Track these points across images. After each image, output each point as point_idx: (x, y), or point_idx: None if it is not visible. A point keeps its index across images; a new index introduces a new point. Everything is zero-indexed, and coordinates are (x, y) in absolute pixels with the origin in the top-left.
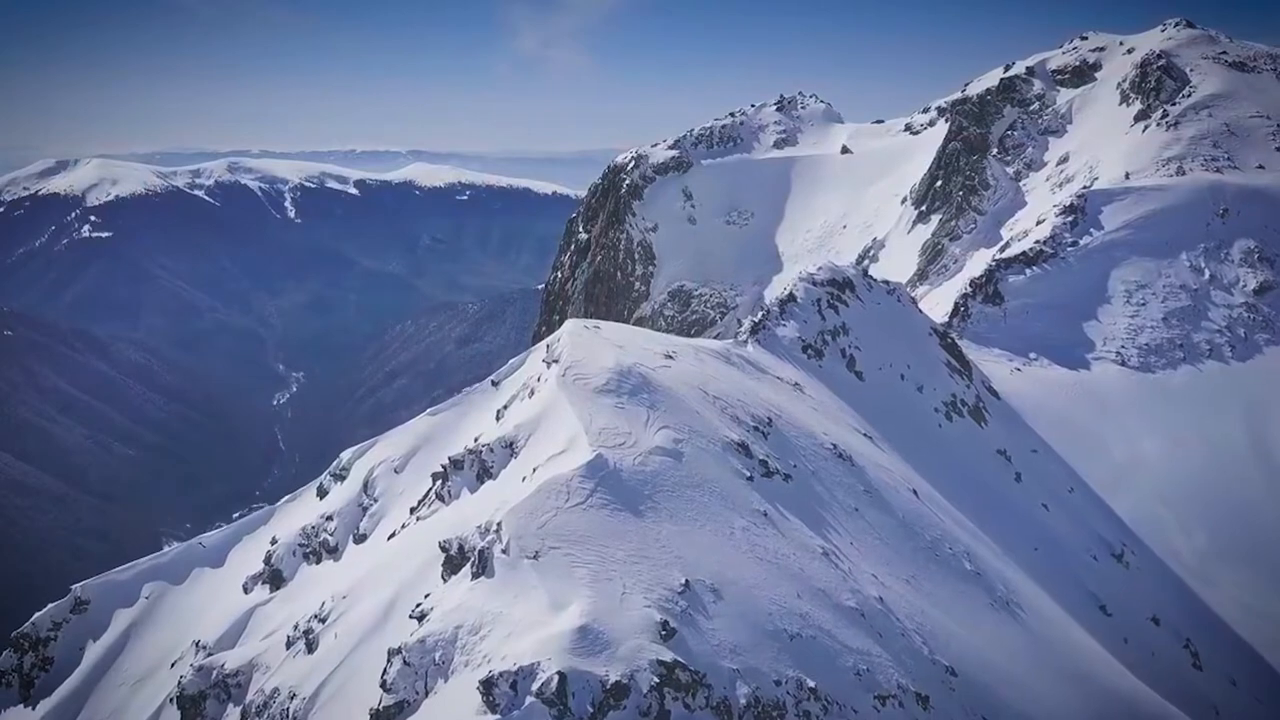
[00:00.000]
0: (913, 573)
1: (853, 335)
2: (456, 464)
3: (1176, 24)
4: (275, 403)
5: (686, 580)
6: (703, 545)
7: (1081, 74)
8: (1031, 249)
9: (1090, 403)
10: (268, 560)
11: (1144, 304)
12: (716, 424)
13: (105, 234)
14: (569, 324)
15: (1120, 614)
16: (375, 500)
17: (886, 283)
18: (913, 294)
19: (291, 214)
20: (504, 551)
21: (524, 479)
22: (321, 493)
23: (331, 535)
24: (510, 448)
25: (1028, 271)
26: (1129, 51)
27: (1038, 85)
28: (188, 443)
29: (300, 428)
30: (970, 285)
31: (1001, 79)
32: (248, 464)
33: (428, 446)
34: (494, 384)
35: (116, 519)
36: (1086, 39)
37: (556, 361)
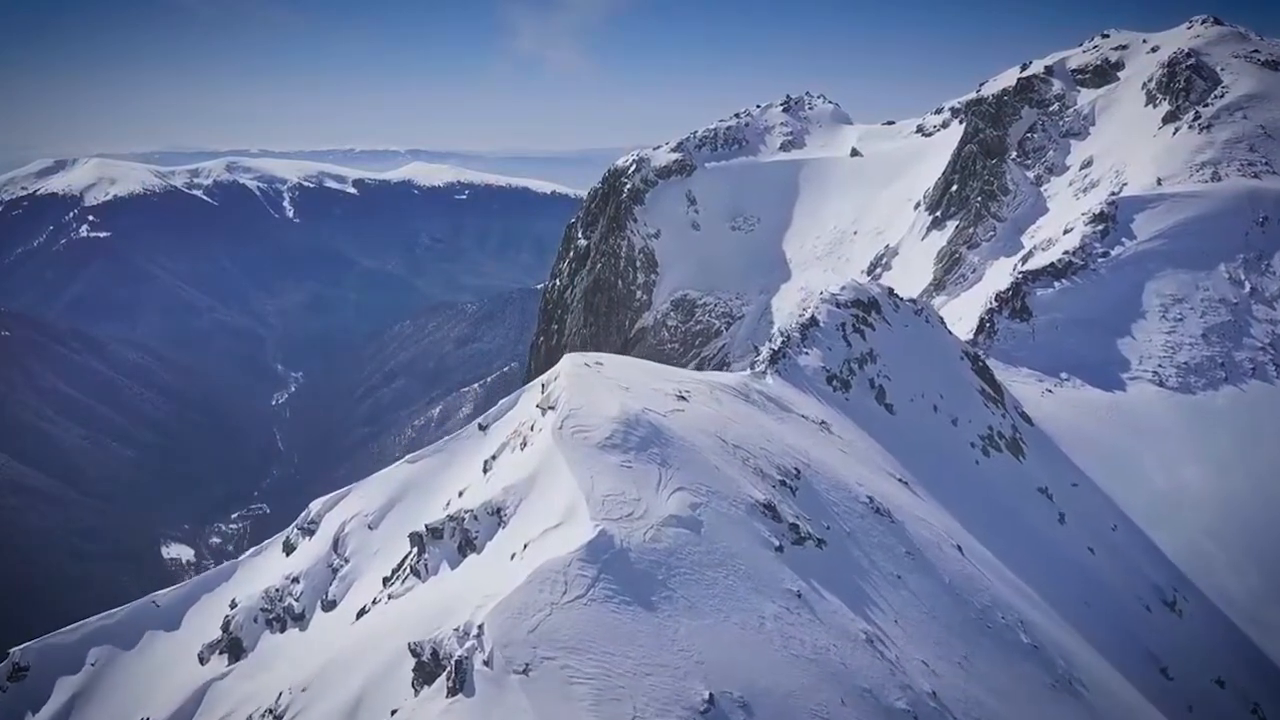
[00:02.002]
0: (966, 653)
1: (881, 363)
2: (435, 532)
3: (1204, 21)
4: (274, 403)
5: (711, 694)
6: (728, 643)
7: (1103, 74)
8: (1060, 260)
9: (1127, 427)
10: (226, 627)
11: (1181, 319)
12: (738, 480)
13: (104, 234)
14: (567, 362)
15: (1182, 676)
16: (346, 561)
17: (913, 301)
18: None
19: (290, 213)
20: (486, 663)
21: (513, 556)
22: (288, 548)
23: (297, 600)
24: (498, 515)
25: (1057, 284)
26: (1153, 50)
27: (1057, 85)
28: (186, 443)
29: (299, 428)
30: (996, 299)
31: (1019, 79)
32: (246, 464)
33: (406, 499)
34: (481, 428)
35: (114, 520)
36: (1108, 37)
37: (553, 408)
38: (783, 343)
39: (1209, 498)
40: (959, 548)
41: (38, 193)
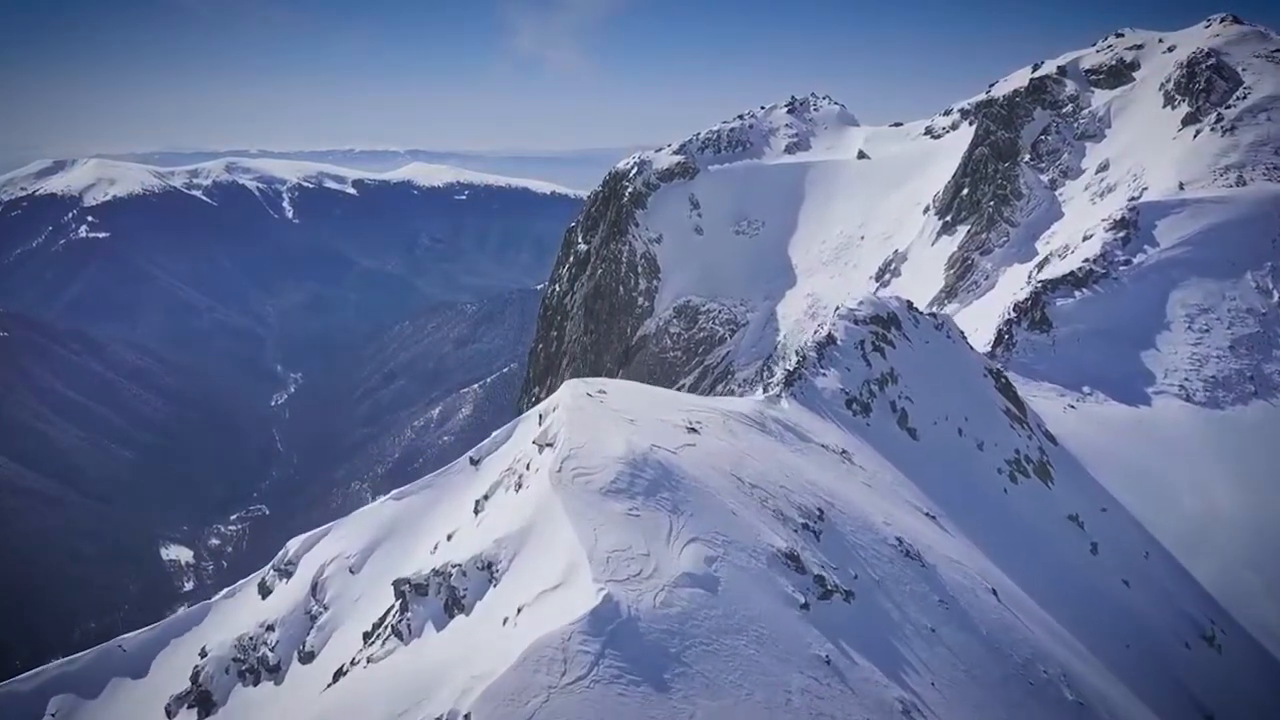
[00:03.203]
0: (1008, 717)
1: (902, 383)
2: (419, 589)
3: (1223, 19)
4: (273, 403)
5: None
6: None
7: (1118, 74)
8: (1080, 268)
9: (1153, 445)
10: (195, 678)
11: (1207, 330)
12: (757, 526)
13: (103, 234)
14: (566, 391)
15: None
16: (325, 608)
17: (934, 315)
18: (941, 312)
19: (290, 214)
20: None
21: (505, 621)
22: (264, 591)
23: (272, 650)
24: (488, 570)
25: (1077, 294)
26: (1170, 50)
27: (1070, 86)
28: (185, 444)
29: (298, 428)
30: (1015, 310)
31: (1031, 79)
32: (246, 465)
33: (390, 541)
34: (473, 463)
35: (113, 521)
36: (1122, 36)
37: (551, 446)
38: (798, 363)
39: (1242, 520)
40: (994, 592)
41: (37, 193)
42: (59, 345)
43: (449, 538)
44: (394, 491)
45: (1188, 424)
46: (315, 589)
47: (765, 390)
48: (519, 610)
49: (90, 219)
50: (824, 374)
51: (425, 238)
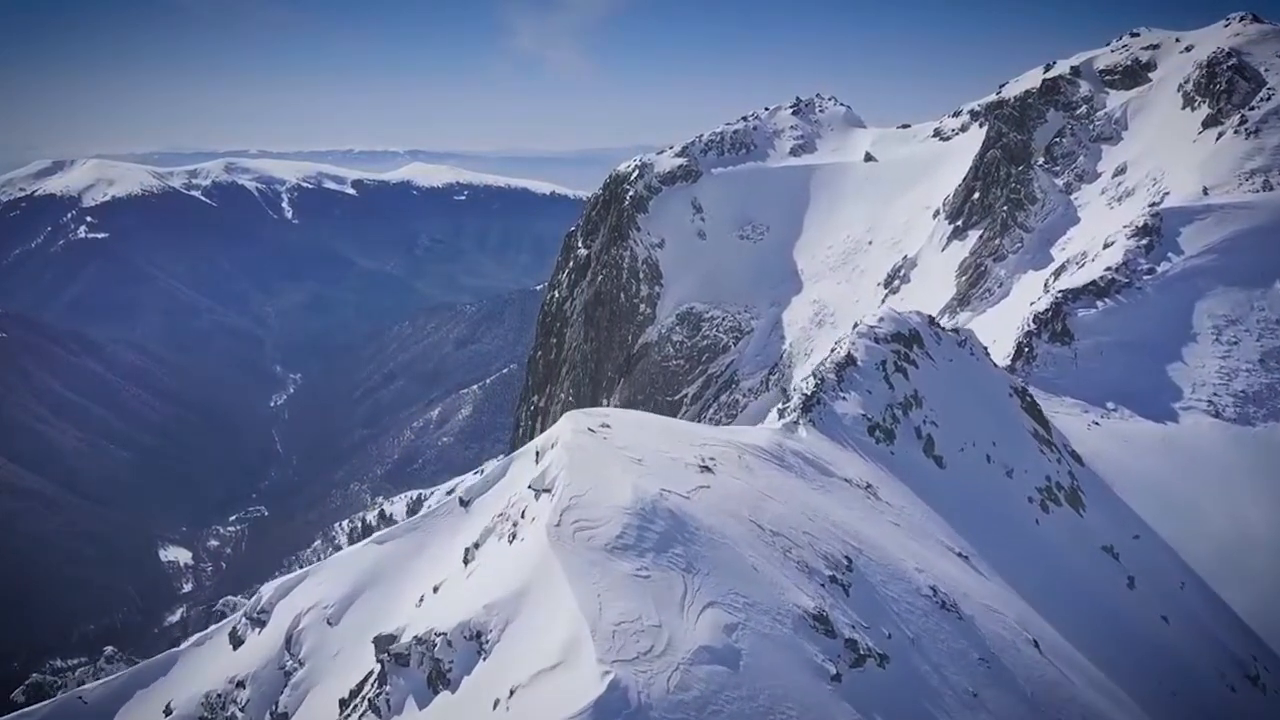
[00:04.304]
0: None
1: (927, 406)
2: (400, 658)
3: (1242, 18)
4: (273, 404)
5: None
6: None
7: (1134, 74)
8: (1102, 277)
9: (1182, 464)
10: None
11: (1236, 342)
12: (781, 582)
13: (102, 235)
14: (566, 426)
15: None
16: (301, 663)
17: (956, 331)
18: (953, 321)
19: (289, 214)
20: None
21: (496, 704)
22: (235, 641)
23: (242, 710)
24: (477, 640)
25: (1100, 304)
26: (1187, 49)
27: (1085, 87)
28: (184, 445)
29: (298, 429)
30: (1034, 321)
31: (1043, 80)
32: (245, 466)
33: (372, 590)
34: (463, 503)
35: (112, 522)
36: (1138, 35)
37: (548, 492)
38: (816, 386)
39: (1277, 544)
40: (1036, 643)
41: (36, 193)
42: (58, 346)
43: (435, 589)
44: (376, 534)
45: (1217, 441)
46: (290, 641)
47: (781, 415)
48: (511, 692)
49: (89, 219)
50: (844, 398)
51: (425, 238)
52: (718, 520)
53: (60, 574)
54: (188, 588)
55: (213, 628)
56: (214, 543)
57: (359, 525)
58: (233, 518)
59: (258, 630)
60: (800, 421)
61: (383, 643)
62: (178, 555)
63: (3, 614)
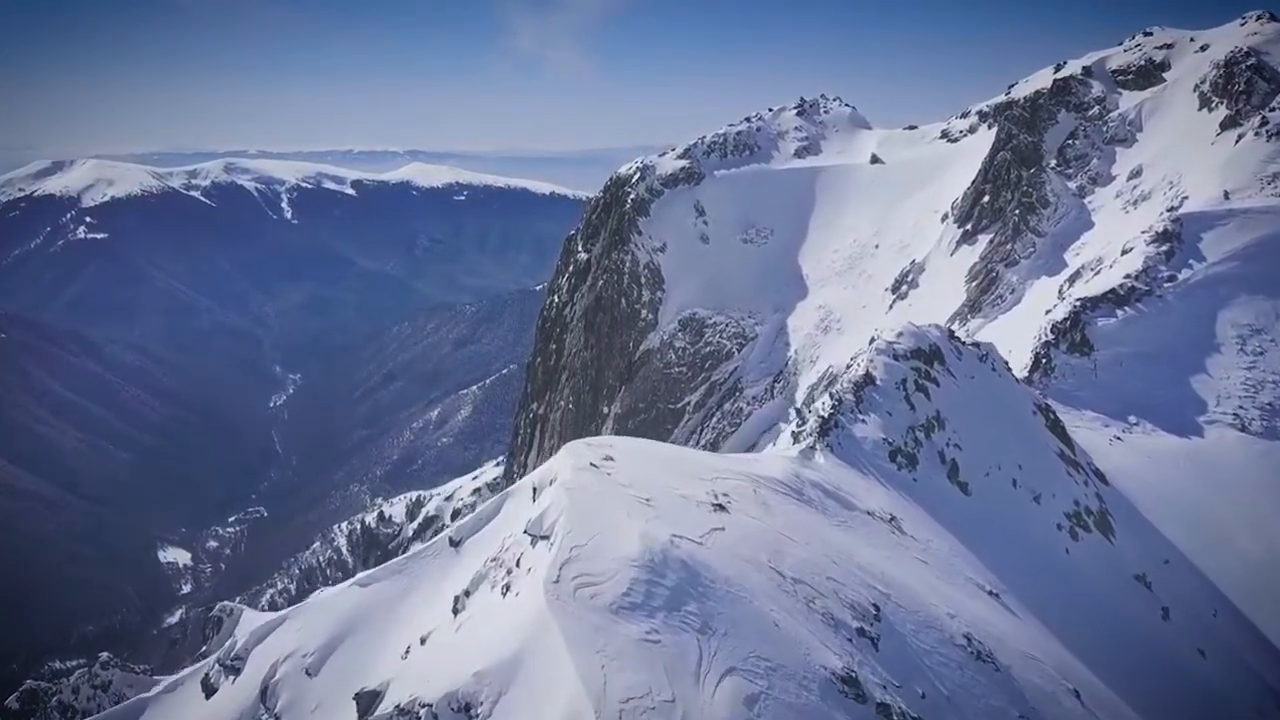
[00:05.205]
0: None
1: (950, 428)
2: None
3: (1259, 17)
4: (272, 405)
5: None
6: None
7: (1147, 74)
8: (1122, 285)
9: (1208, 480)
10: None
11: (1261, 353)
12: (806, 639)
13: (101, 235)
14: (566, 461)
15: None
16: (277, 718)
17: (976, 345)
18: (964, 329)
19: (288, 214)
20: None
21: None
22: (208, 689)
23: None
24: (466, 713)
25: (1119, 313)
26: (1203, 49)
27: (1097, 87)
28: (183, 446)
29: (297, 430)
30: (1053, 331)
31: (1054, 80)
32: (244, 467)
33: (354, 638)
34: (453, 544)
35: (111, 523)
36: (1151, 35)
37: (547, 539)
38: (833, 408)
39: None
40: (1077, 693)
41: (35, 194)
42: (57, 346)
43: (422, 640)
44: (360, 575)
45: (1244, 456)
46: (265, 693)
47: (796, 439)
48: None
49: (89, 220)
50: (863, 420)
51: (424, 238)
52: (735, 569)
53: (60, 575)
54: (187, 589)
55: (184, 672)
56: (213, 544)
57: (358, 527)
58: (232, 519)
59: (231, 678)
60: (817, 447)
61: (365, 700)
62: (177, 556)
63: (2, 615)
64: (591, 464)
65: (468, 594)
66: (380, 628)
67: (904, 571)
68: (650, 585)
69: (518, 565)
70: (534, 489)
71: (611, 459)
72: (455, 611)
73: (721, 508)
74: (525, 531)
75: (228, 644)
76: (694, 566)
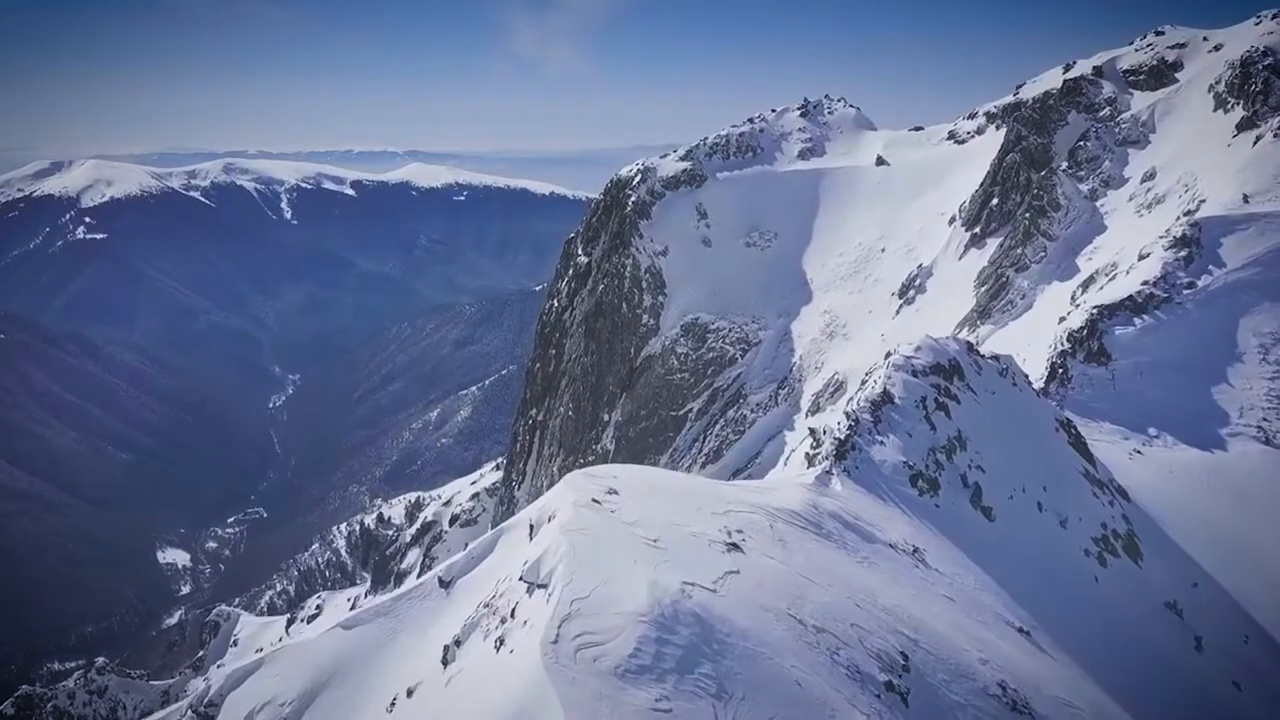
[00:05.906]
0: None
1: (972, 449)
2: None
3: (1275, 15)
4: (271, 405)
5: None
6: None
7: (1159, 75)
8: (1139, 292)
9: (1233, 496)
10: None
11: None
12: (830, 698)
13: (100, 236)
14: (566, 494)
15: None
16: None
17: (996, 359)
18: (974, 335)
19: (288, 215)
20: None
21: None
22: None
23: None
24: None
25: (1137, 321)
26: (1216, 48)
27: (1108, 88)
28: (182, 446)
29: (296, 431)
30: (1069, 339)
31: (1064, 80)
32: (243, 468)
33: (336, 686)
34: (443, 584)
35: (110, 524)
36: (1163, 34)
37: (544, 588)
38: (850, 429)
39: None
40: None
41: (34, 194)
42: (56, 347)
43: (409, 693)
44: (345, 618)
45: (1270, 471)
46: None
47: (810, 462)
48: None
49: (88, 220)
50: (881, 441)
51: (424, 239)
52: (752, 620)
53: (58, 576)
54: (186, 590)
55: (159, 714)
56: (212, 545)
57: (357, 528)
58: (231, 520)
59: None
60: (834, 471)
61: None
62: (176, 557)
63: (1, 616)
64: (594, 499)
65: (458, 643)
66: (364, 676)
67: (931, 612)
68: (660, 644)
69: (512, 615)
70: (531, 526)
71: (615, 492)
72: (445, 662)
73: (736, 547)
74: (521, 579)
75: (202, 688)
76: (708, 620)
